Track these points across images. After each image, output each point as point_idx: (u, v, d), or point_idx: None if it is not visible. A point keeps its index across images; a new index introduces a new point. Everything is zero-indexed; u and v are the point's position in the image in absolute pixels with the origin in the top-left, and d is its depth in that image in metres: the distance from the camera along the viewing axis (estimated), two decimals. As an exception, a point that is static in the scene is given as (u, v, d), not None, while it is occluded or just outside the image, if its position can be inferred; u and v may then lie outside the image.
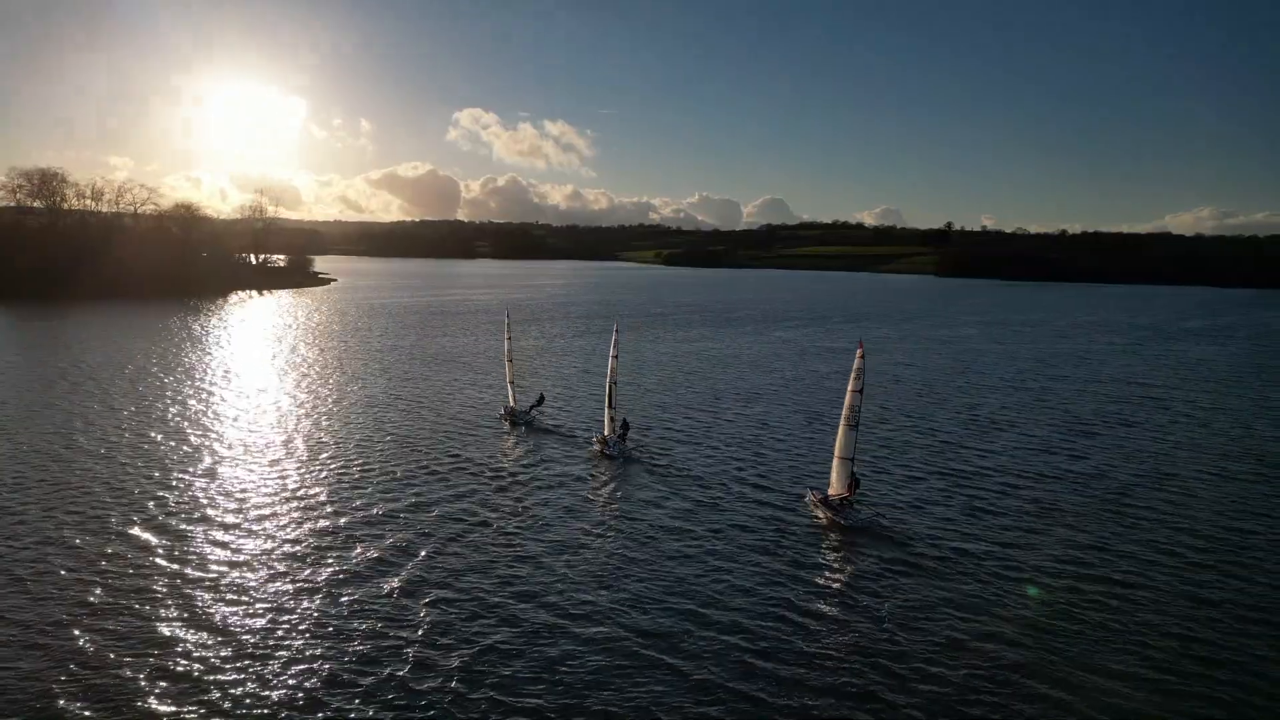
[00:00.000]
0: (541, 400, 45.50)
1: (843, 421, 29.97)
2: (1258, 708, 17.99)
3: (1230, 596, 23.61)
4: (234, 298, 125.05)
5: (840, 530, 28.56)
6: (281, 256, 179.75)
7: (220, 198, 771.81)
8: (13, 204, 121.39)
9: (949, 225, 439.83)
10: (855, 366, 29.36)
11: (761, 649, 19.86)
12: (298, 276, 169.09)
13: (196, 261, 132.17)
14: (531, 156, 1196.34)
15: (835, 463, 30.29)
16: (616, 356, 37.77)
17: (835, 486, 30.37)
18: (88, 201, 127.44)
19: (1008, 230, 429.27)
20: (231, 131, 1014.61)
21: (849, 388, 29.77)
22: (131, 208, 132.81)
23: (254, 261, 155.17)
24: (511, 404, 44.85)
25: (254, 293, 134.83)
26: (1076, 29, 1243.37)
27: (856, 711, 17.40)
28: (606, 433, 38.10)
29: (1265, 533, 29.10)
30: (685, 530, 28.16)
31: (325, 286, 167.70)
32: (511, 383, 45.20)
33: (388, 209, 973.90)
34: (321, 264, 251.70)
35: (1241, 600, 23.37)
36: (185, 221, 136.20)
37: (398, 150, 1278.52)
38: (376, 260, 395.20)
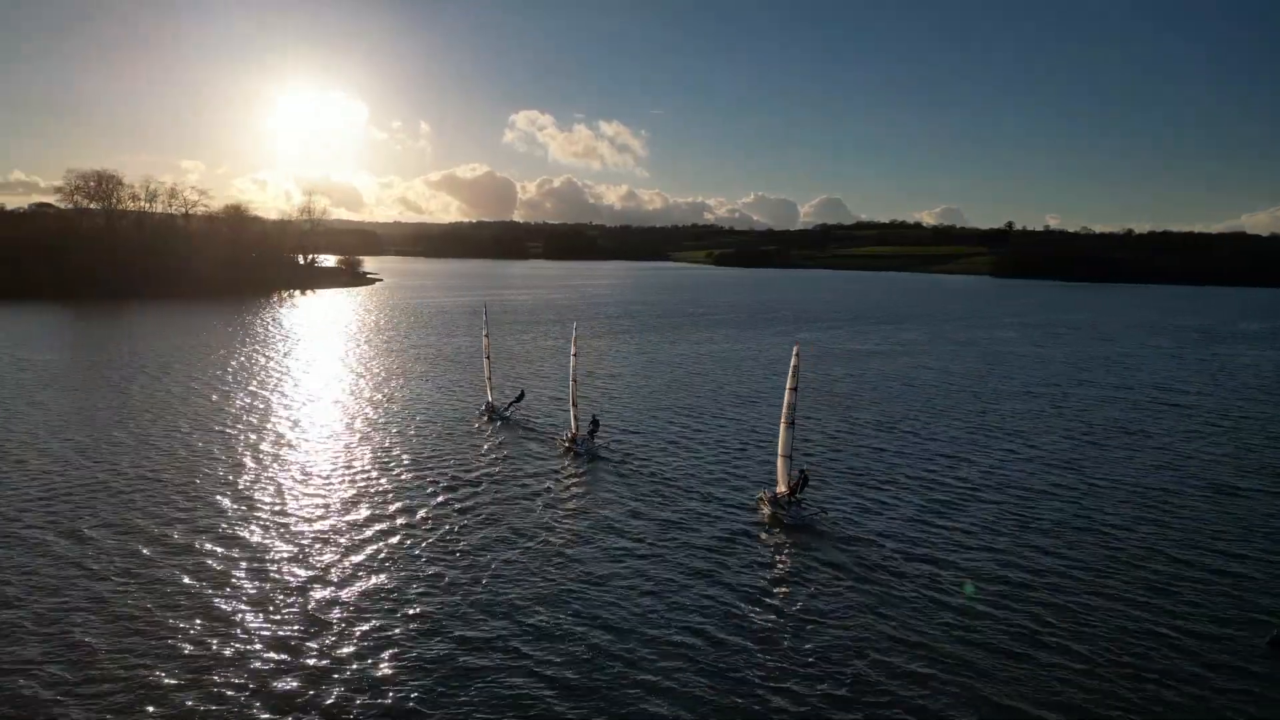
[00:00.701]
0: (521, 397, 45.70)
1: (782, 420, 29.65)
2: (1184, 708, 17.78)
3: (1180, 614, 22.52)
4: (279, 297, 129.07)
5: (781, 528, 28.41)
6: (331, 256, 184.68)
7: (285, 199, 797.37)
8: (70, 205, 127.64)
9: (1010, 225, 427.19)
10: (792, 365, 29.01)
11: (675, 646, 19.87)
12: (344, 276, 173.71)
13: (245, 261, 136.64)
14: (586, 157, 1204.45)
15: (778, 461, 30.04)
16: (576, 355, 37.92)
17: (780, 485, 30.03)
18: (142, 203, 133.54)
19: (1072, 230, 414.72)
20: (297, 135, 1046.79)
21: (787, 385, 29.33)
22: (183, 209, 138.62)
23: (302, 261, 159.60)
24: (490, 400, 45.17)
25: (298, 292, 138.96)
26: (1147, 25, 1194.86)
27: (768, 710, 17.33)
28: (574, 430, 38.16)
29: (1222, 556, 27.38)
30: (625, 529, 28.08)
31: (370, 286, 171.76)
32: (489, 380, 45.60)
33: (446, 210, 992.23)
34: (375, 264, 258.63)
35: (1188, 615, 22.32)
36: (235, 222, 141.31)
37: (456, 152, 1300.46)
38: (431, 261, 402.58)
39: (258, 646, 19.47)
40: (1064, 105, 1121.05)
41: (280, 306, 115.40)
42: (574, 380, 37.77)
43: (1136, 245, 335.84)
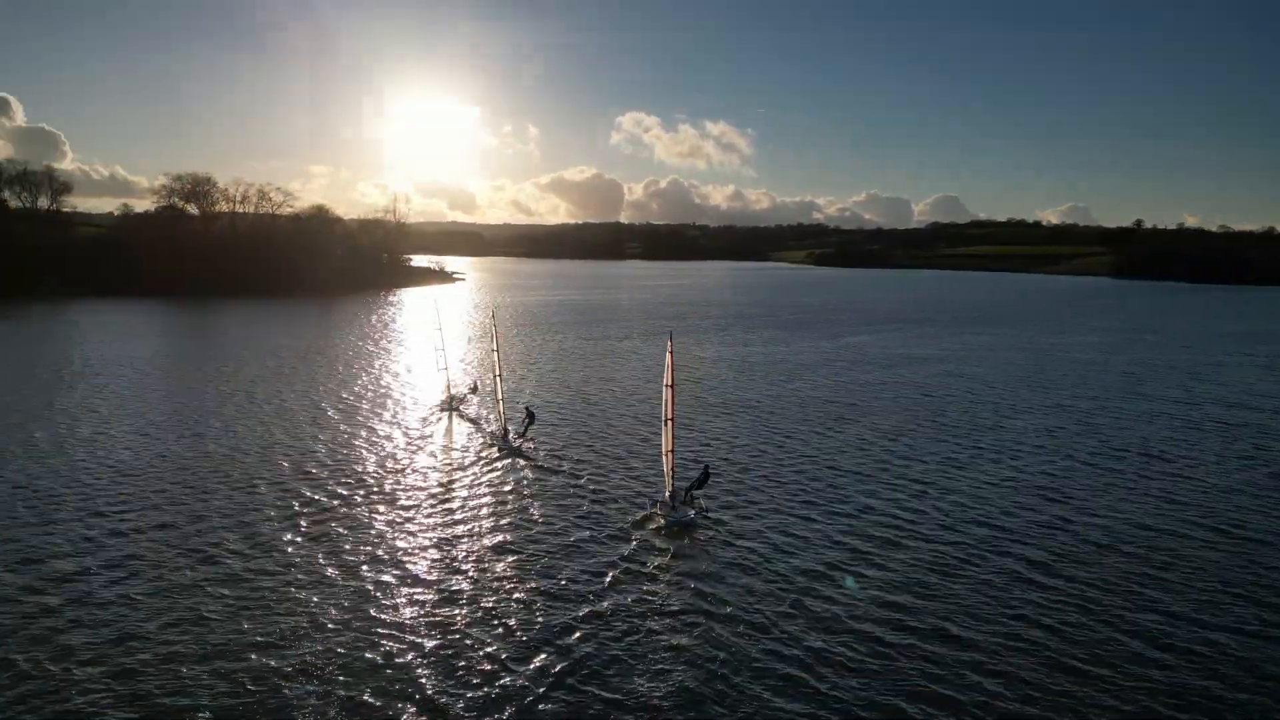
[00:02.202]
0: (531, 418, 39.71)
1: (664, 417, 28.73)
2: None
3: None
4: (360, 296, 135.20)
5: (660, 528, 27.87)
6: (422, 256, 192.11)
7: (404, 202, 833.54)
8: (166, 206, 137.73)
9: (1138, 223, 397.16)
10: (667, 363, 28.00)
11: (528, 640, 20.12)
12: (428, 276, 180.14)
13: (330, 261, 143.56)
14: (692, 157, 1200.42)
15: (664, 459, 29.07)
16: (496, 350, 38.38)
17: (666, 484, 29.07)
18: (237, 205, 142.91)
19: (1211, 228, 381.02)
20: (416, 140, 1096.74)
21: (665, 383, 28.34)
22: (272, 209, 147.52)
23: (385, 260, 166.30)
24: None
25: (382, 293, 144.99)
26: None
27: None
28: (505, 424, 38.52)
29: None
30: (512, 524, 28.17)
31: (452, 285, 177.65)
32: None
33: (555, 212, 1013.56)
34: (477, 264, 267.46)
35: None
36: (321, 222, 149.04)
37: (564, 155, 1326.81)
38: (530, 261, 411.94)
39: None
40: (1207, 96, 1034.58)
41: (353, 305, 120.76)
42: (498, 376, 37.93)
43: (1276, 244, 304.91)
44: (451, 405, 45.87)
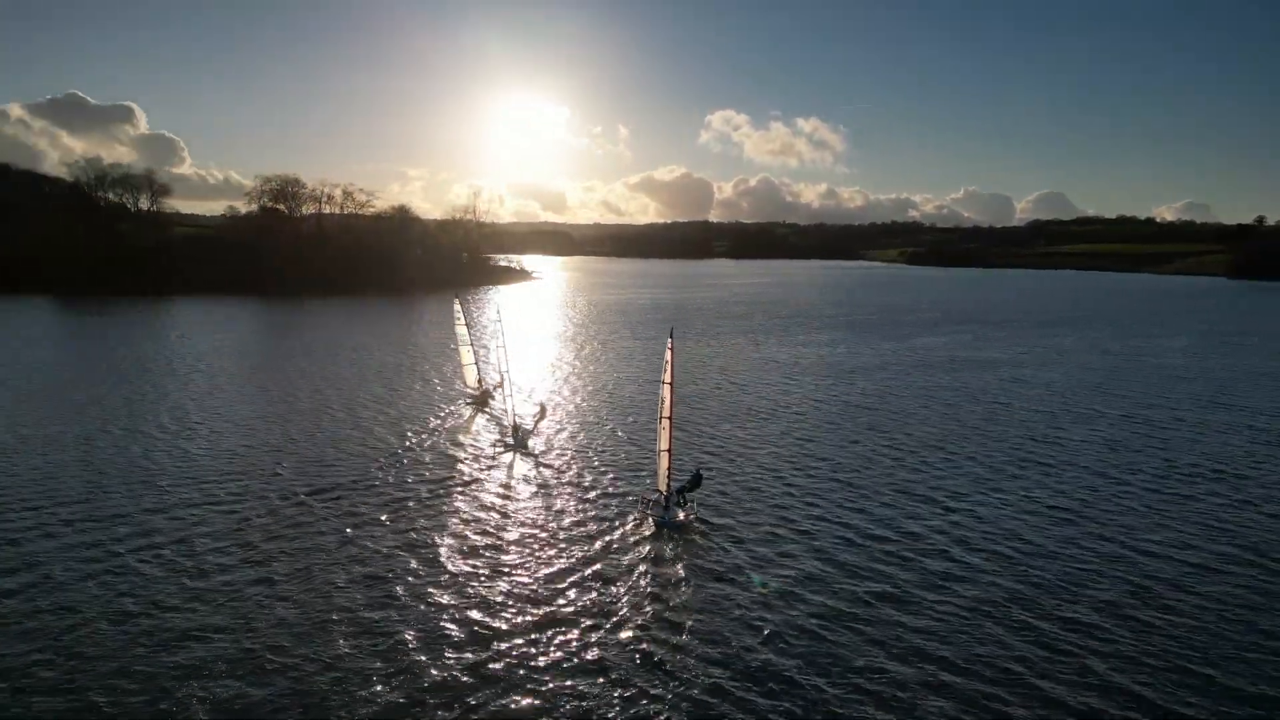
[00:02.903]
0: (543, 414, 41.98)
1: (660, 415, 28.32)
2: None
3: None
4: (437, 293, 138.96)
5: (647, 530, 27.43)
6: (501, 255, 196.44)
7: (498, 203, 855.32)
8: (256, 208, 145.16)
9: (1260, 220, 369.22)
10: (666, 360, 27.64)
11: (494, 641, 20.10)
12: (503, 274, 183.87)
13: (409, 259, 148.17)
14: (783, 155, 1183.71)
15: (661, 457, 28.64)
16: (503, 347, 40.79)
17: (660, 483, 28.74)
18: (323, 205, 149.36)
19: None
20: (510, 142, 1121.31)
21: (664, 380, 27.99)
22: (355, 209, 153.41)
23: (465, 259, 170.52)
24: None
25: (456, 291, 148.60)
26: None
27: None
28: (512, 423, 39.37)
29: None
30: (486, 522, 28.33)
31: (526, 283, 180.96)
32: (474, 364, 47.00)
33: (645, 211, 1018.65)
34: (561, 263, 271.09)
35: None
36: (400, 222, 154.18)
37: (653, 155, 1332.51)
38: (615, 260, 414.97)
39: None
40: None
41: (425, 304, 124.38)
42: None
43: None
44: (482, 400, 47.19)
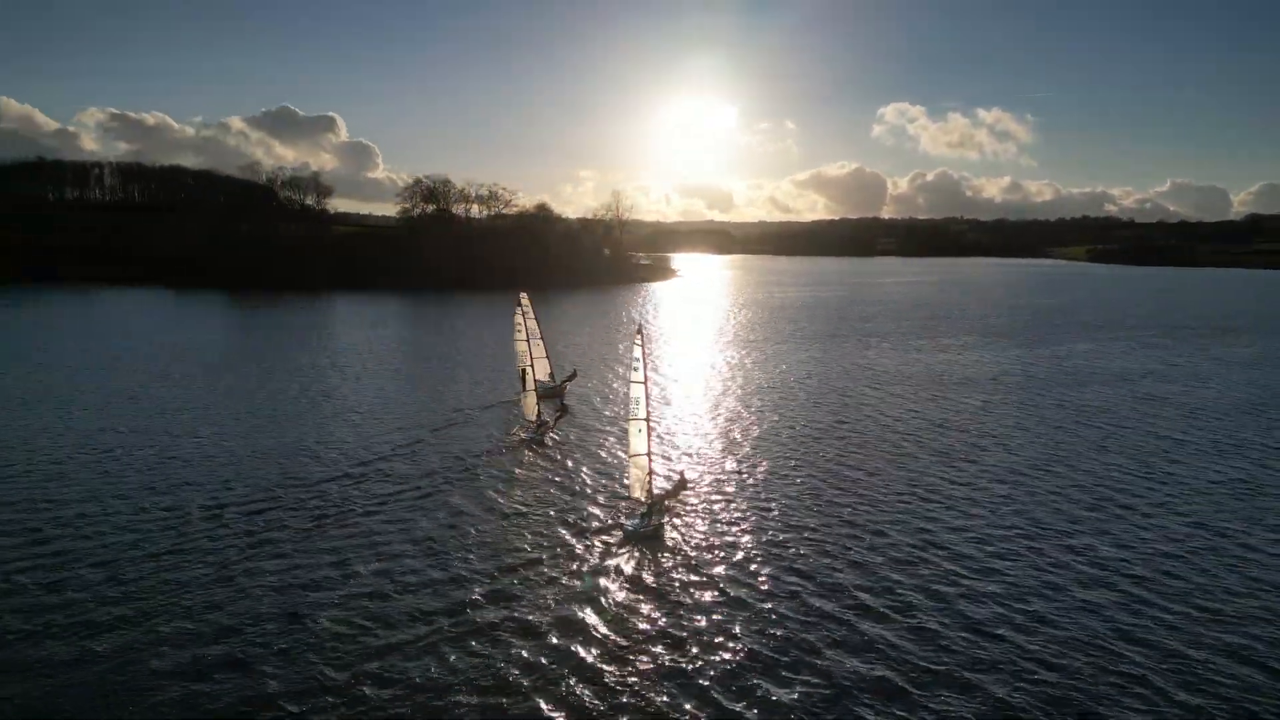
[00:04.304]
0: (574, 375, 50.72)
1: (634, 418, 27.52)
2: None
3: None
4: (573, 291, 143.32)
5: (618, 538, 26.87)
6: (641, 254, 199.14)
7: (665, 203, 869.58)
8: (409, 208, 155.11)
9: None
10: (637, 358, 26.80)
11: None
12: (645, 272, 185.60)
13: (550, 256, 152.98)
14: (961, 148, 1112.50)
15: (642, 461, 27.80)
16: (527, 341, 40.72)
17: (636, 490, 27.86)
18: (472, 205, 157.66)
19: None
20: (678, 142, 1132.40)
21: (638, 379, 27.19)
22: (500, 209, 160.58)
23: (607, 256, 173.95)
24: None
25: (590, 288, 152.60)
26: None
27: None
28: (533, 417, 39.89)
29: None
30: (482, 526, 28.41)
31: (667, 282, 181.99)
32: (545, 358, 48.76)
33: (814, 208, 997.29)
34: (725, 261, 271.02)
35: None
36: (541, 220, 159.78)
37: (822, 150, 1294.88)
38: (779, 259, 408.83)
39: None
40: None
41: (556, 300, 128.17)
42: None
43: None
44: (552, 392, 48.03)
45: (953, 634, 20.61)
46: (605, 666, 19.09)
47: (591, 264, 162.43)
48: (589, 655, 19.58)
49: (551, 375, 50.05)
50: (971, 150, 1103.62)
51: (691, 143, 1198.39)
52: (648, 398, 27.07)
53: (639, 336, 26.94)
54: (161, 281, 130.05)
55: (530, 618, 21.18)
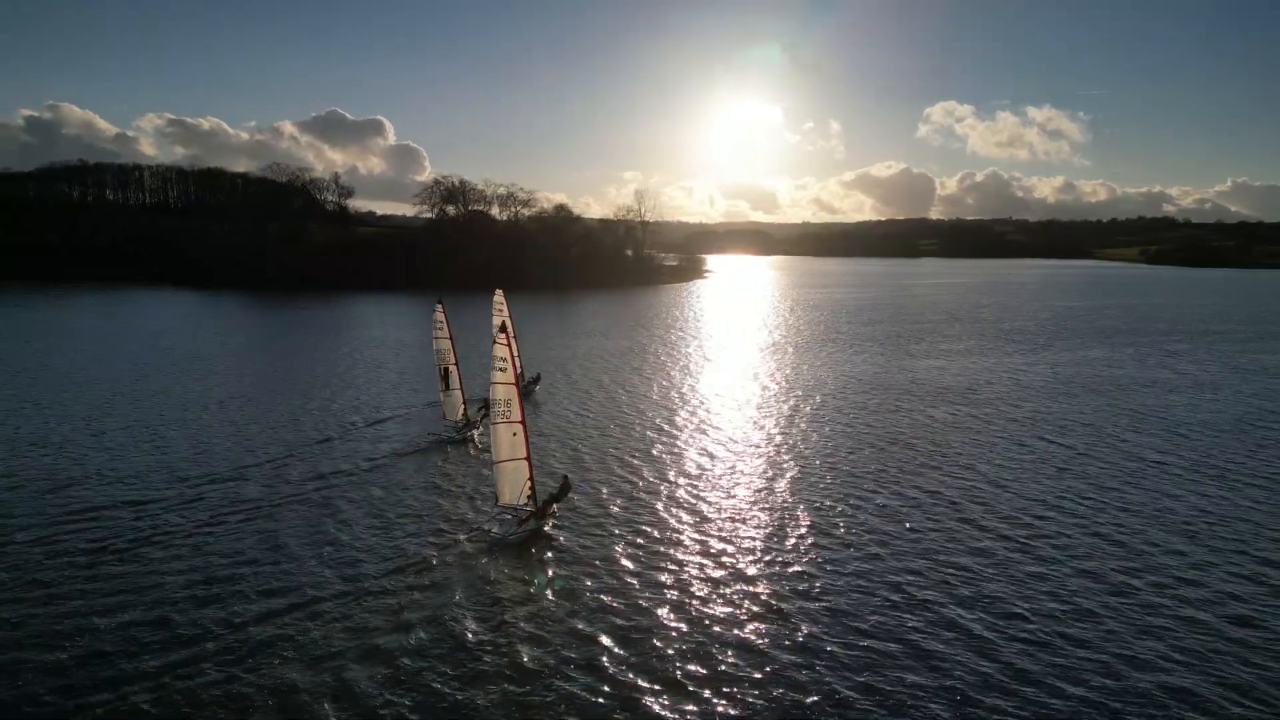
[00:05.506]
0: (538, 379, 52.01)
1: (504, 418, 26.51)
2: None
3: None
4: (592, 291, 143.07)
5: (480, 546, 26.13)
6: (669, 255, 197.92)
7: (709, 204, 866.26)
8: (429, 209, 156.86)
9: None
10: (503, 356, 25.94)
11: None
12: (669, 273, 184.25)
13: (568, 258, 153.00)
14: (1011, 147, 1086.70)
15: (512, 466, 26.61)
16: (450, 339, 39.77)
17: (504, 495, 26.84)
18: (492, 207, 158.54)
19: None
20: (721, 143, 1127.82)
21: (501, 379, 26.19)
22: (522, 209, 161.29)
23: (630, 257, 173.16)
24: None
25: (606, 290, 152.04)
26: None
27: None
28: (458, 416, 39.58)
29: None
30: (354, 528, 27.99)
31: (691, 283, 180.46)
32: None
33: (860, 209, 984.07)
34: (763, 263, 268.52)
35: None
36: (561, 221, 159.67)
37: (867, 150, 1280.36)
38: (820, 260, 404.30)
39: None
40: None
41: (562, 300, 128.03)
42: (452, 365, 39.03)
43: None
44: (525, 389, 48.46)
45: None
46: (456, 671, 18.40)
47: (612, 265, 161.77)
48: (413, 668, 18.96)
49: (521, 375, 49.74)
50: (1021, 150, 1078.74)
51: (736, 144, 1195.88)
52: (520, 399, 26.16)
53: (503, 335, 26.07)
54: (188, 283, 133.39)
55: (368, 624, 20.71)
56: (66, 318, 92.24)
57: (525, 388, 49.46)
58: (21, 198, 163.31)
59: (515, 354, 49.39)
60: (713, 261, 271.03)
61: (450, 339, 38.40)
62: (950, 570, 24.42)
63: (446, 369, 38.33)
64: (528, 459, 26.41)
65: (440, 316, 38.32)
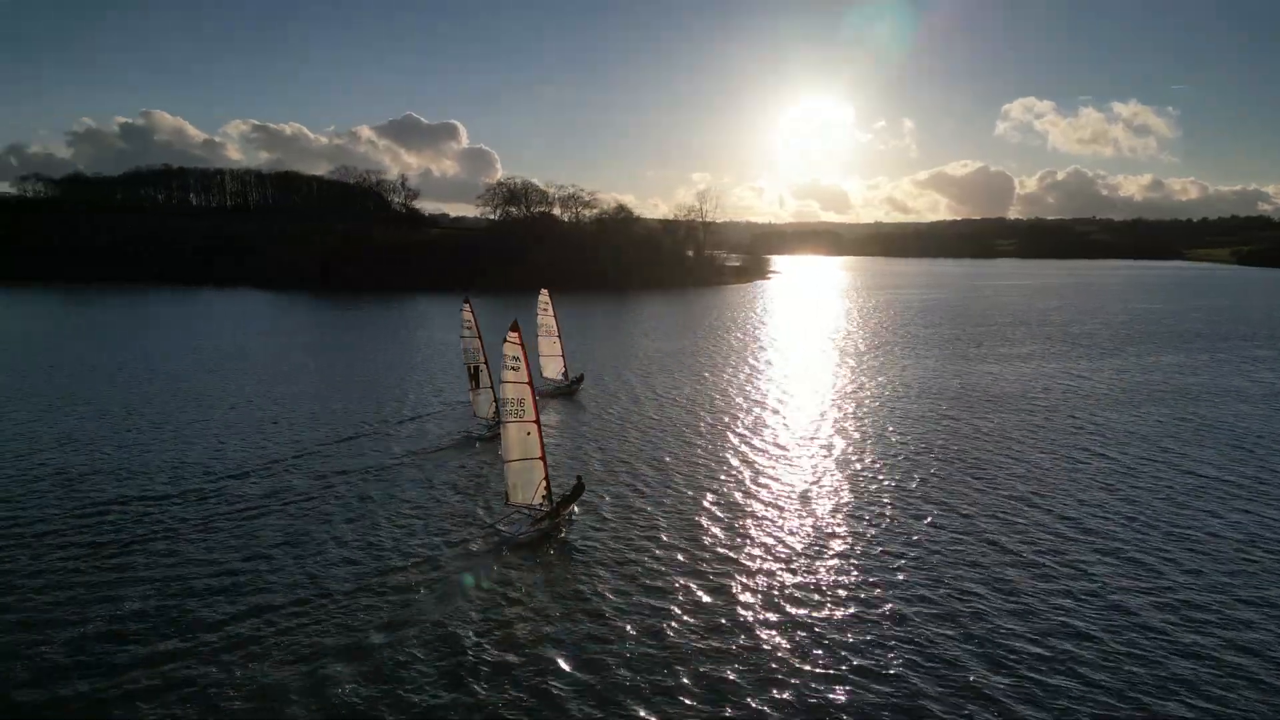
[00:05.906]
0: (581, 378, 53.17)
1: (520, 418, 26.73)
2: None
3: None
4: (649, 292, 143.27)
5: (491, 544, 26.37)
6: (732, 255, 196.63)
7: (779, 204, 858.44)
8: (491, 210, 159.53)
9: None
10: (517, 356, 26.03)
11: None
12: (731, 274, 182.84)
13: (628, 259, 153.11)
14: (1095, 144, 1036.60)
15: (524, 465, 26.70)
16: (479, 338, 39.91)
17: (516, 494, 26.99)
18: (554, 207, 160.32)
19: None
20: (792, 142, 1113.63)
21: (521, 378, 26.37)
22: (581, 210, 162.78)
23: (690, 258, 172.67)
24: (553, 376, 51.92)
25: (662, 291, 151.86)
26: None
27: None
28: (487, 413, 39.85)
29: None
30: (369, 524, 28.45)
31: (754, 284, 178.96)
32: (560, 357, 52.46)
33: (935, 209, 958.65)
34: (832, 263, 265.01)
35: None
36: (620, 222, 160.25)
37: (942, 149, 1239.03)
38: (892, 261, 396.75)
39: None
40: None
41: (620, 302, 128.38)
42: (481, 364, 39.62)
43: None
44: (561, 392, 50.97)
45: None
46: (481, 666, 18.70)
47: (672, 265, 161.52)
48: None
49: (565, 374, 50.92)
50: (1106, 147, 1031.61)
51: (806, 144, 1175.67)
52: (534, 398, 26.34)
53: (514, 334, 26.26)
54: (255, 283, 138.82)
55: (377, 618, 21.22)
56: (126, 320, 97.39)
57: (567, 387, 50.32)
58: (109, 200, 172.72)
59: (561, 352, 50.43)
60: (780, 262, 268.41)
61: (480, 338, 39.05)
62: (970, 594, 23.61)
63: (476, 367, 39.05)
64: (542, 458, 26.57)
65: (468, 316, 38.99)
